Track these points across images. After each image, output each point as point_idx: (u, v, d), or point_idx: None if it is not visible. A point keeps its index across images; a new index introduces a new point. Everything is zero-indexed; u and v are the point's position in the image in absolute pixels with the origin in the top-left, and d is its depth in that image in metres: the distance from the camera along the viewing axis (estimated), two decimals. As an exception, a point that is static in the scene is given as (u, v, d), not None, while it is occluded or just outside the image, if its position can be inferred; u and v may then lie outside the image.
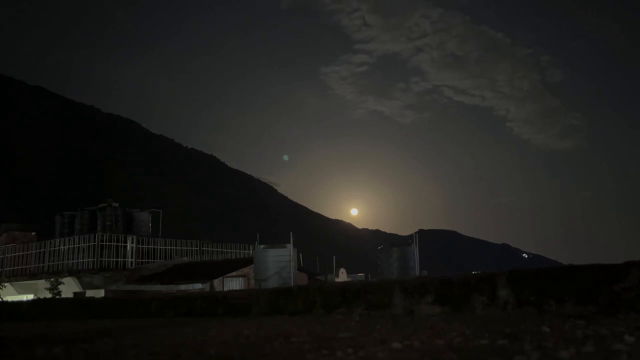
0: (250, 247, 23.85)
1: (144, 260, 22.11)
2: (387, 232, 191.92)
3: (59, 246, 22.02)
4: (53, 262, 21.91)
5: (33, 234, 25.91)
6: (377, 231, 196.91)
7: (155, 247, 22.89)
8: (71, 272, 20.44)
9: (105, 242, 21.14)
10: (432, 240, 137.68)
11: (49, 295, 17.29)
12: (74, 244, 21.56)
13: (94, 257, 20.68)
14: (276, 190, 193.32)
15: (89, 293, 17.29)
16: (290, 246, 16.35)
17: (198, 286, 16.69)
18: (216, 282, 17.43)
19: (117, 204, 23.77)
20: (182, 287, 16.53)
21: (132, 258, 21.67)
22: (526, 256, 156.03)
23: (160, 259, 22.66)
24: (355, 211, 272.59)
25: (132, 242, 21.88)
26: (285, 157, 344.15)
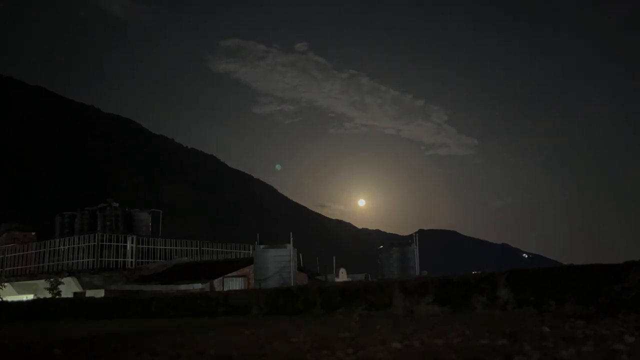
0: (250, 247, 23.84)
1: (144, 260, 22.10)
2: (387, 232, 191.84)
3: (59, 246, 22.02)
4: (53, 262, 21.90)
5: (33, 234, 25.91)
6: (377, 231, 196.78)
7: (155, 247, 22.88)
8: (71, 272, 20.43)
9: (105, 242, 21.14)
10: (432, 240, 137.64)
11: (49, 295, 17.27)
12: (74, 244, 21.55)
13: (93, 257, 20.68)
14: (276, 190, 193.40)
15: (89, 293, 17.27)
16: (290, 246, 16.35)
17: (198, 286, 16.68)
18: (216, 282, 17.43)
19: (117, 204, 23.75)
20: (182, 287, 16.52)
21: (132, 258, 21.66)
22: (526, 256, 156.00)
23: (160, 259, 22.66)
24: (362, 202, 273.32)
25: (132, 242, 21.87)
26: (278, 167, 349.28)
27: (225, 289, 16.80)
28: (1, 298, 18.82)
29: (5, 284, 21.11)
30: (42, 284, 19.37)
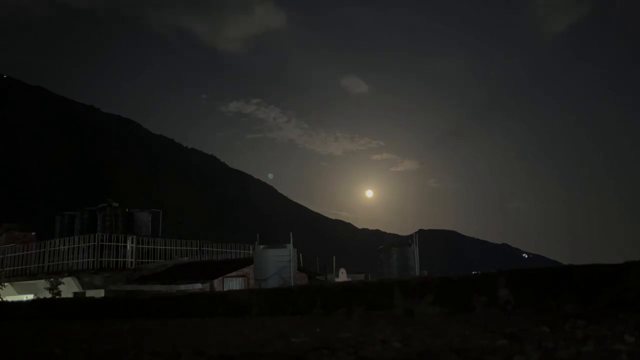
0: (250, 247, 23.83)
1: (144, 260, 22.09)
2: (387, 232, 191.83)
3: (59, 246, 22.00)
4: (53, 262, 21.89)
5: (33, 234, 25.90)
6: (377, 231, 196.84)
7: (155, 247, 22.86)
8: (71, 272, 20.42)
9: (105, 242, 21.12)
10: (432, 240, 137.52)
11: (49, 295, 17.28)
12: (73, 244, 21.54)
13: (93, 257, 20.67)
14: (276, 191, 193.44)
15: (89, 293, 17.28)
16: (290, 246, 16.33)
17: (198, 286, 16.67)
18: (216, 282, 17.41)
19: (117, 204, 23.74)
20: (182, 287, 16.52)
21: (132, 258, 21.65)
22: (526, 256, 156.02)
23: (160, 259, 22.64)
24: (370, 192, 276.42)
25: (132, 242, 21.86)
26: (270, 176, 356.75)
27: (225, 289, 16.80)
28: (1, 298, 18.82)
29: (5, 284, 21.11)
30: (42, 284, 19.38)
